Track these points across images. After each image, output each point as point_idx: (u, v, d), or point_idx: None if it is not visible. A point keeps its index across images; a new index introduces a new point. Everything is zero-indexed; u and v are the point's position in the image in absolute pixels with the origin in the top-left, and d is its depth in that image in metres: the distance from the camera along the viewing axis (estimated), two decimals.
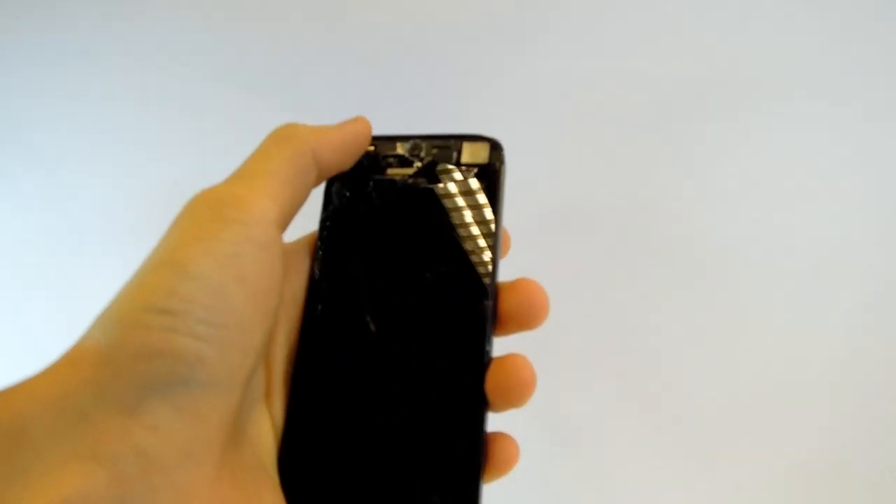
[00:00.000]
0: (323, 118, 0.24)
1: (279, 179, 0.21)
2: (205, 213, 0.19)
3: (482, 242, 0.24)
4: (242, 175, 0.21)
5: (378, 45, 0.45)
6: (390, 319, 0.23)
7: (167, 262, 0.18)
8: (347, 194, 0.25)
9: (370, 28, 0.45)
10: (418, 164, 0.25)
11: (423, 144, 0.25)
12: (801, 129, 0.43)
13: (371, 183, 0.25)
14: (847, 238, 0.41)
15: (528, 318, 0.23)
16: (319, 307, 0.24)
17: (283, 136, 0.22)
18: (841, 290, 0.40)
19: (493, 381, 0.22)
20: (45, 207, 0.45)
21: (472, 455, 0.21)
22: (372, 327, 0.23)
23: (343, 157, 0.24)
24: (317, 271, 0.24)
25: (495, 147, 0.25)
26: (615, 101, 0.44)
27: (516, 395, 0.22)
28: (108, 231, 0.43)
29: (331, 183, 0.25)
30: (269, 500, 0.21)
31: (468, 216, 0.24)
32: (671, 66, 0.44)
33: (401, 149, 0.25)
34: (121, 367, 0.17)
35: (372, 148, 0.25)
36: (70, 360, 0.17)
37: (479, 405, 0.22)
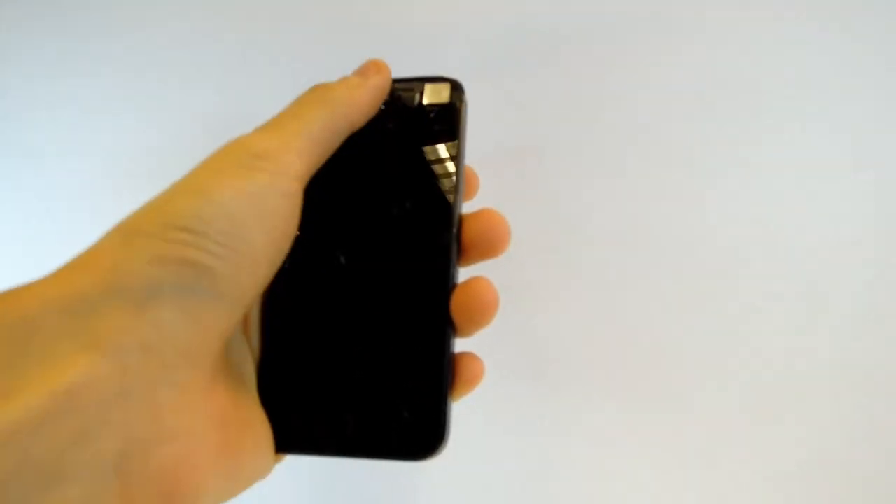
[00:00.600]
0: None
1: (311, 140, 0.22)
2: (235, 157, 0.21)
3: (445, 177, 0.25)
4: (276, 128, 0.22)
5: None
6: (359, 251, 0.25)
7: (192, 190, 0.19)
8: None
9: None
10: (382, 106, 0.26)
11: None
12: (801, 128, 0.43)
13: None
14: (847, 238, 0.41)
15: (490, 246, 0.24)
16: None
17: (320, 98, 0.24)
18: (840, 291, 0.40)
19: (457, 304, 0.23)
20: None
21: (438, 373, 0.23)
22: (342, 259, 0.25)
23: (370, 113, 0.25)
24: None
25: (456, 87, 0.26)
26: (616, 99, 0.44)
27: (479, 314, 0.23)
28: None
29: None
30: (254, 414, 0.22)
31: (432, 153, 0.26)
32: (671, 66, 0.44)
33: None
34: (133, 269, 0.18)
35: None
36: (83, 263, 0.18)
37: (444, 326, 0.23)
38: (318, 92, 0.24)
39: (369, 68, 0.26)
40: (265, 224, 0.20)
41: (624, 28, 0.46)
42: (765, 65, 0.45)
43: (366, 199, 0.25)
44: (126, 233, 0.19)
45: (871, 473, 0.38)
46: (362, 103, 0.24)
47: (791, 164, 0.43)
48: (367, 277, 0.24)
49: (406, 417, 0.23)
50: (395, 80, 0.26)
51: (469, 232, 0.25)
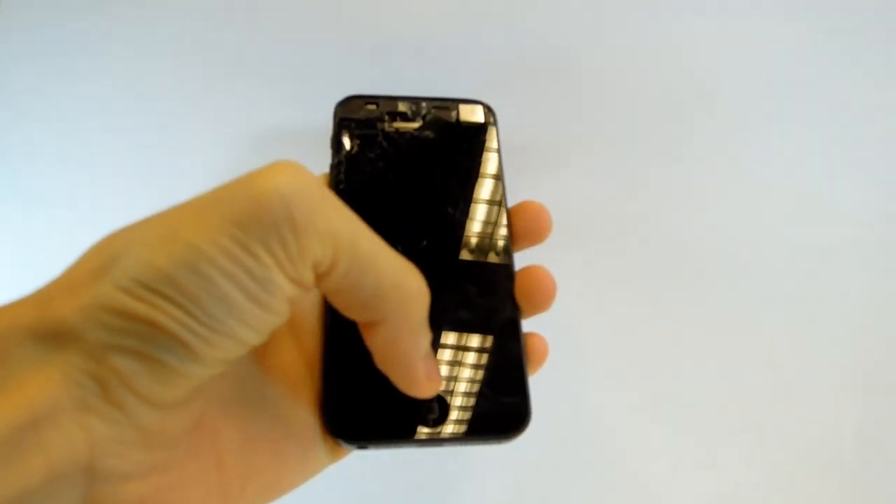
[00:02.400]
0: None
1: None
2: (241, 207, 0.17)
3: (493, 183, 0.28)
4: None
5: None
6: (419, 251, 0.26)
7: (178, 242, 0.16)
8: (358, 141, 0.27)
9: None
10: (420, 120, 0.28)
11: (424, 104, 0.29)
12: (801, 128, 0.43)
13: (380, 132, 0.28)
14: (848, 237, 0.41)
15: (536, 235, 0.27)
16: None
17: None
18: (842, 290, 0.40)
19: (520, 291, 0.25)
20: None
21: (519, 354, 0.25)
22: (405, 255, 0.25)
23: None
24: None
25: (489, 109, 0.29)
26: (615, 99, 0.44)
27: (540, 299, 0.25)
28: None
29: (338, 130, 0.27)
30: (285, 426, 0.21)
31: (474, 163, 0.28)
32: (671, 65, 0.44)
33: (402, 107, 0.28)
34: (94, 315, 0.16)
35: (374, 106, 0.28)
36: (60, 289, 0.17)
37: (516, 311, 0.25)
38: None
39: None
40: (257, 304, 0.17)
41: (625, 28, 0.46)
42: (765, 64, 0.45)
43: (416, 200, 0.27)
44: (102, 264, 0.17)
45: (873, 475, 0.38)
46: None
47: (790, 164, 0.43)
48: (437, 272, 0.25)
49: (493, 399, 0.24)
50: (429, 98, 0.29)
51: (516, 224, 0.27)
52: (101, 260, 0.17)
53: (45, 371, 0.16)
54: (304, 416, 0.22)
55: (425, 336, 0.21)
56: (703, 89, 0.44)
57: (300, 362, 0.23)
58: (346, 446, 0.22)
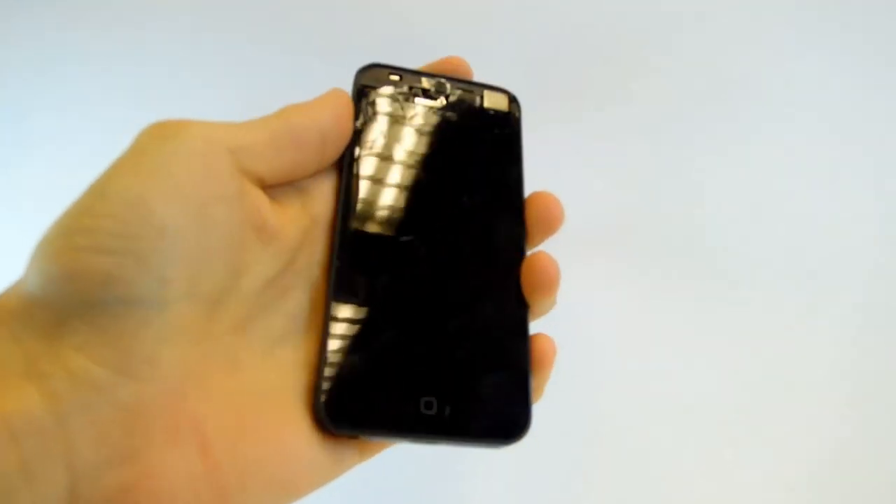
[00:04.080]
0: None
1: (267, 129, 0.21)
2: (140, 140, 0.19)
3: (511, 171, 0.27)
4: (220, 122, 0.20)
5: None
6: (432, 235, 0.25)
7: (88, 189, 0.18)
8: (377, 114, 0.26)
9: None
10: (443, 100, 0.27)
11: (448, 84, 0.27)
12: (801, 128, 0.43)
13: (400, 105, 0.26)
14: (849, 237, 0.41)
15: (548, 225, 0.25)
16: (356, 219, 0.24)
17: (297, 110, 0.22)
18: (841, 290, 0.40)
19: (525, 281, 0.24)
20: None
21: (521, 355, 0.24)
22: (417, 244, 0.24)
23: (336, 116, 0.23)
24: (351, 181, 0.24)
25: (513, 99, 0.28)
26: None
27: (544, 287, 0.24)
28: None
29: (358, 98, 0.26)
30: (286, 423, 0.20)
31: (495, 150, 0.27)
32: (672, 65, 0.44)
33: (426, 83, 0.27)
34: (39, 295, 0.17)
35: (397, 77, 0.27)
36: (4, 295, 0.17)
37: (523, 308, 0.24)
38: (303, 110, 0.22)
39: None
40: (176, 196, 0.18)
41: (624, 27, 0.45)
42: (766, 64, 0.44)
43: (433, 181, 0.25)
44: (36, 250, 0.17)
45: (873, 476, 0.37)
46: (310, 141, 0.23)
47: (791, 163, 0.43)
48: (443, 262, 0.24)
49: (493, 402, 0.23)
50: (453, 79, 0.27)
51: (528, 214, 0.26)
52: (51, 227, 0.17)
53: (10, 374, 0.16)
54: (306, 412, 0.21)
55: None
56: (716, 87, 0.44)
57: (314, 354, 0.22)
58: (334, 431, 0.21)
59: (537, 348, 0.24)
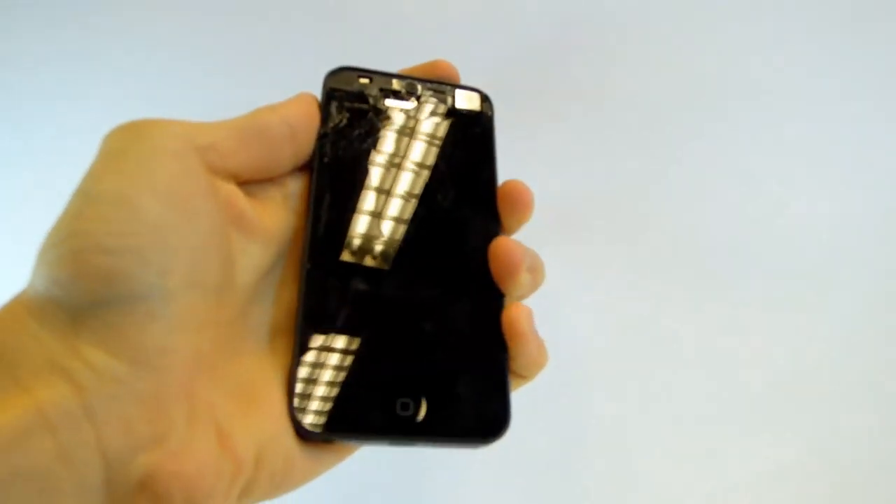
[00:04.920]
0: None
1: (234, 127, 0.22)
2: (113, 141, 0.20)
3: (483, 169, 0.26)
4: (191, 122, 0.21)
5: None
6: (403, 235, 0.24)
7: (74, 194, 0.18)
8: (346, 114, 0.26)
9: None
10: (415, 101, 0.27)
11: (419, 85, 0.27)
12: (802, 128, 0.43)
13: (371, 110, 0.26)
14: (849, 237, 0.41)
15: (520, 211, 0.25)
16: (325, 222, 0.24)
17: (268, 110, 0.23)
18: (842, 290, 0.40)
19: (493, 269, 0.24)
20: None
21: (499, 352, 0.23)
22: (385, 241, 0.24)
23: (305, 113, 0.24)
24: (317, 182, 0.24)
25: (485, 98, 0.28)
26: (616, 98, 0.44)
27: (510, 268, 0.24)
28: None
29: (327, 100, 0.26)
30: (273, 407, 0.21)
31: (468, 149, 0.27)
32: (671, 64, 0.44)
33: (397, 85, 0.27)
34: (50, 297, 0.17)
35: (367, 80, 0.26)
36: (17, 298, 0.18)
37: (500, 305, 0.24)
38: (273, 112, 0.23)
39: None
40: (160, 193, 0.19)
41: (624, 26, 0.45)
42: (766, 63, 0.44)
43: (403, 181, 0.25)
44: (38, 256, 0.18)
45: (873, 477, 0.37)
46: (276, 138, 0.23)
47: (791, 163, 0.42)
48: (416, 261, 0.24)
49: (471, 401, 0.22)
50: (424, 80, 0.27)
51: (500, 202, 0.26)
52: (54, 230, 0.18)
53: (38, 369, 0.17)
54: None
55: None
56: (707, 88, 0.43)
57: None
58: (308, 434, 0.21)
59: (506, 318, 0.23)
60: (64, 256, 0.17)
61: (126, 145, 0.19)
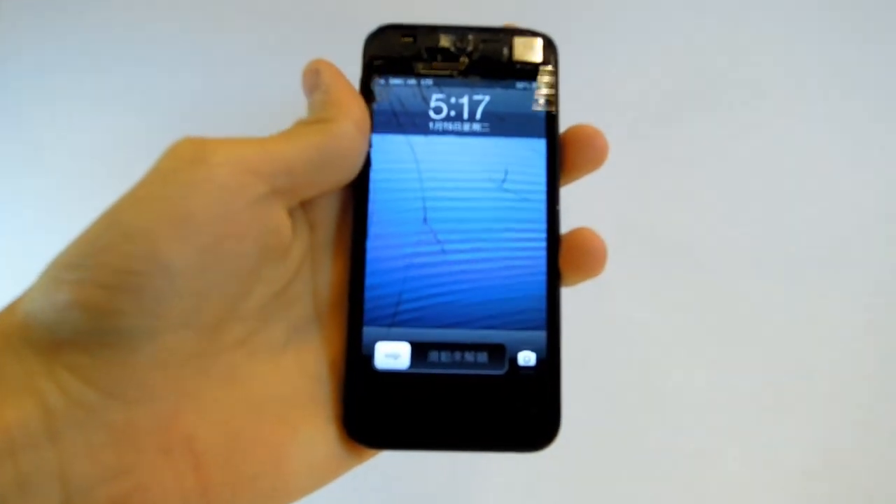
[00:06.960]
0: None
1: (309, 146, 0.20)
2: (162, 164, 0.19)
3: (543, 141, 0.23)
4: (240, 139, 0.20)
5: None
6: (460, 213, 0.23)
7: (102, 216, 0.18)
8: (389, 90, 0.23)
9: None
10: (465, 59, 0.24)
11: (470, 37, 0.24)
12: (802, 127, 0.43)
13: (416, 79, 0.24)
14: (849, 237, 0.41)
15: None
16: (377, 202, 0.23)
17: (313, 127, 0.21)
18: (842, 290, 0.40)
19: (565, 256, 0.23)
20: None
21: (552, 357, 0.22)
22: (439, 219, 0.23)
23: (360, 162, 0.22)
24: (368, 175, 0.23)
25: (549, 44, 0.24)
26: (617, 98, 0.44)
27: (589, 264, 0.23)
28: None
29: (367, 75, 0.23)
30: (279, 425, 0.20)
31: (527, 116, 0.24)
32: (670, 63, 0.44)
33: (444, 41, 0.24)
34: (39, 315, 0.17)
35: (410, 39, 0.24)
36: (9, 309, 0.18)
37: (556, 292, 0.23)
38: (308, 122, 0.21)
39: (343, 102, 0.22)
40: (182, 228, 0.18)
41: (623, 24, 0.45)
42: (766, 62, 0.44)
43: (457, 159, 0.23)
44: (45, 271, 0.18)
45: (872, 477, 0.37)
46: (358, 150, 0.22)
47: (791, 162, 0.42)
48: (470, 235, 0.23)
49: (521, 408, 0.22)
50: (477, 29, 0.24)
51: (568, 149, 0.23)
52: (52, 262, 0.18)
53: (11, 388, 0.16)
54: (312, 417, 0.21)
55: None
56: (705, 85, 0.43)
57: (321, 360, 0.22)
58: (366, 447, 0.21)
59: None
60: (67, 282, 0.17)
61: (178, 166, 0.18)
